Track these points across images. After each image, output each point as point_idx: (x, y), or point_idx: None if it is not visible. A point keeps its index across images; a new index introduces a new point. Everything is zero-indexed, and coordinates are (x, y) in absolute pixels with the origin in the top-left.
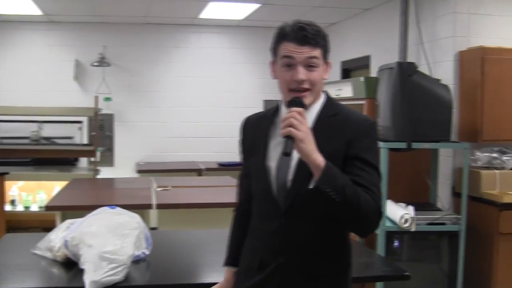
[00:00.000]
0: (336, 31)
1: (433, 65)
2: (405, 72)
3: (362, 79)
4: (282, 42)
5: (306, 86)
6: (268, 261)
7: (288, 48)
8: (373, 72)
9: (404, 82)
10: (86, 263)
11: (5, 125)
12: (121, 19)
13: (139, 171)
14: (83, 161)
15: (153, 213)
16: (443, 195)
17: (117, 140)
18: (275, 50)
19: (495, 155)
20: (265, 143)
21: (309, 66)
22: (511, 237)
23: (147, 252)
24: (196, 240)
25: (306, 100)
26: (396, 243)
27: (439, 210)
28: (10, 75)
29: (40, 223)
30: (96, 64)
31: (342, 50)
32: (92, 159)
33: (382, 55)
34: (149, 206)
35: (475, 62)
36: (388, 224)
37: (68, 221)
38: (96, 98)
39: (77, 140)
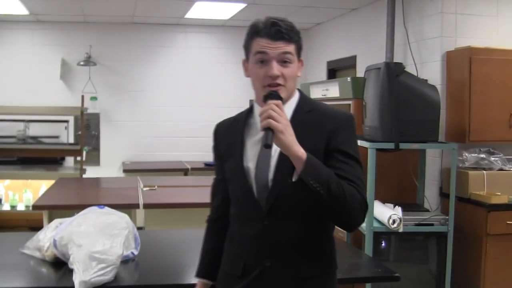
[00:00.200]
0: (322, 31)
1: (420, 65)
2: (393, 72)
3: (349, 79)
4: (255, 38)
5: (280, 82)
6: (252, 267)
7: (262, 43)
8: (359, 72)
9: (392, 82)
10: (76, 263)
11: None
12: (108, 19)
13: (125, 171)
14: (69, 160)
15: (140, 212)
16: (430, 196)
17: (103, 140)
18: (247, 47)
19: (482, 155)
20: (242, 144)
21: (283, 61)
22: (499, 238)
23: (135, 252)
24: (184, 240)
25: (282, 95)
26: (383, 244)
27: (426, 211)
28: None
29: (26, 222)
30: (82, 63)
31: (328, 50)
32: (78, 158)
33: (369, 55)
34: (136, 206)
35: (463, 63)
36: (375, 224)
37: (57, 221)
38: (82, 97)
39: (63, 139)
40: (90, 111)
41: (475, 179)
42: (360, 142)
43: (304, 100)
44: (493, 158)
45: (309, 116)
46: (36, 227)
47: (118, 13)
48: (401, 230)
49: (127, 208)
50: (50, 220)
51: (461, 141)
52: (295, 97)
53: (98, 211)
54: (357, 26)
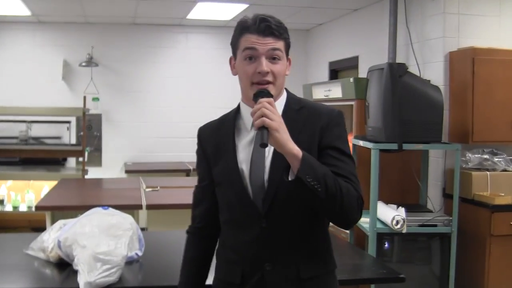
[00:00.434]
0: (324, 31)
1: (422, 66)
2: (396, 73)
3: (351, 80)
4: (243, 34)
5: (269, 78)
6: (251, 273)
7: (251, 39)
8: (362, 73)
9: (395, 83)
10: (80, 264)
11: None
12: (109, 20)
13: (127, 171)
14: (71, 161)
15: (142, 213)
16: (433, 197)
17: (105, 140)
18: (235, 44)
19: (486, 156)
20: (233, 147)
21: (272, 58)
22: (503, 239)
23: (140, 253)
24: None
25: (271, 92)
26: (386, 245)
27: (430, 211)
28: None
29: (29, 223)
30: (84, 64)
31: (330, 51)
32: (80, 159)
33: (371, 56)
34: (139, 207)
35: (466, 63)
36: (379, 225)
37: (61, 222)
38: (84, 98)
39: (65, 140)
40: (92, 112)
41: (479, 180)
42: (363, 143)
43: (293, 98)
44: (496, 159)
45: (299, 114)
46: (38, 227)
47: (119, 14)
48: (404, 231)
49: (130, 209)
50: (53, 221)
51: (464, 141)
52: (284, 96)
53: (102, 212)
54: (359, 26)
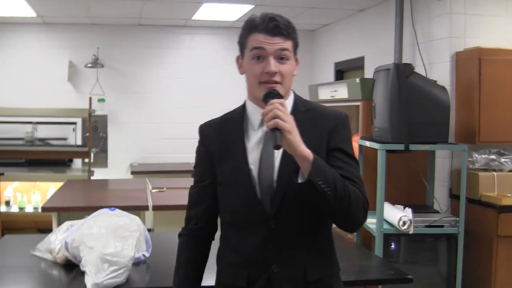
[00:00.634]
0: (329, 32)
1: (428, 66)
2: (402, 73)
3: (357, 80)
4: (251, 33)
5: (277, 79)
6: (257, 275)
7: (259, 39)
8: (367, 73)
9: (401, 83)
10: (88, 265)
11: None
12: (115, 21)
13: (133, 172)
14: (77, 162)
15: (149, 214)
16: (440, 197)
17: (111, 141)
18: (242, 43)
19: (493, 157)
20: (243, 146)
21: (280, 58)
22: (510, 240)
23: (147, 254)
24: None
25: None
26: (393, 246)
27: (436, 212)
28: (4, 77)
29: (34, 224)
30: (89, 65)
31: (336, 51)
32: (86, 160)
33: (377, 56)
34: (145, 208)
35: (472, 63)
36: (385, 226)
37: (67, 223)
38: (90, 99)
39: (71, 141)
40: (97, 113)
41: (485, 181)
42: (369, 144)
43: (300, 100)
44: (503, 159)
45: (307, 116)
46: (44, 229)
47: (125, 15)
48: (411, 231)
49: (136, 210)
50: (59, 222)
51: (471, 142)
52: (291, 97)
53: (109, 213)
54: (365, 27)
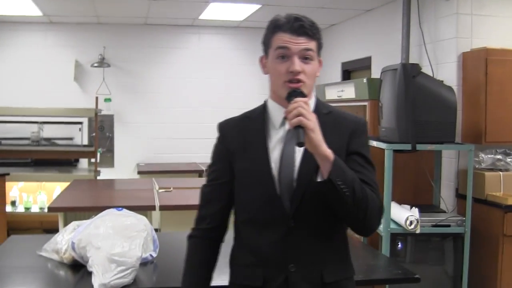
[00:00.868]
0: (337, 32)
1: (435, 67)
2: (409, 73)
3: (364, 80)
4: (276, 33)
5: (301, 78)
6: (274, 275)
7: (284, 38)
8: (374, 73)
9: (408, 84)
10: (95, 266)
11: (5, 126)
12: (121, 20)
13: (140, 172)
14: (84, 162)
15: (156, 214)
16: (446, 197)
17: (117, 141)
18: (267, 42)
19: (499, 156)
20: (265, 145)
21: (304, 58)
22: None
23: (154, 255)
24: None
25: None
26: (399, 245)
27: (443, 212)
28: (10, 76)
29: (40, 224)
30: (96, 65)
31: (343, 51)
32: (92, 160)
33: (384, 56)
34: (152, 208)
35: (479, 63)
36: (392, 226)
37: (74, 223)
38: (96, 99)
39: (77, 141)
40: (104, 112)
41: (492, 180)
42: (376, 143)
43: (321, 102)
44: (509, 159)
45: (328, 118)
46: (50, 229)
47: (131, 14)
48: (418, 231)
49: (143, 210)
50: (66, 222)
51: (477, 142)
52: (313, 98)
53: (116, 213)
54: (372, 27)
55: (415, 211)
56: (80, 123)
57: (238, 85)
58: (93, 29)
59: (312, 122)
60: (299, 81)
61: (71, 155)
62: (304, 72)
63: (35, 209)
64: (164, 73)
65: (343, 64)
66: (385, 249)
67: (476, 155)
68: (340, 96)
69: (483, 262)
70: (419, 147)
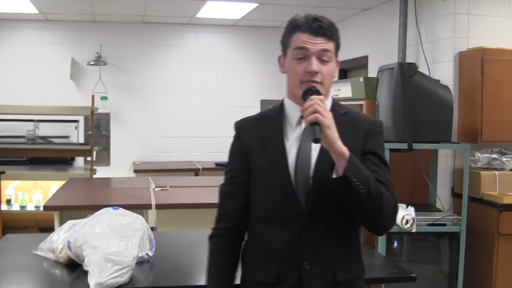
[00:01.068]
0: None
1: (432, 66)
2: (406, 73)
3: (361, 79)
4: (295, 33)
5: (318, 79)
6: (288, 272)
7: (302, 38)
8: (371, 73)
9: (405, 83)
10: (91, 265)
11: (0, 124)
12: (118, 18)
13: (136, 171)
14: (79, 161)
15: (152, 213)
16: (442, 196)
17: (114, 140)
18: (285, 42)
19: (494, 156)
20: (282, 142)
21: (322, 59)
22: (511, 238)
23: (150, 254)
24: (197, 241)
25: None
26: (395, 244)
27: (439, 211)
28: (6, 74)
29: (36, 223)
30: (92, 63)
31: (340, 50)
32: (88, 158)
33: (380, 56)
34: (148, 206)
35: (475, 63)
36: None
37: (70, 222)
38: (93, 97)
39: (73, 139)
40: (100, 111)
41: (487, 179)
42: None
43: (337, 103)
44: (505, 159)
45: (344, 118)
46: (46, 228)
47: (128, 13)
48: (414, 230)
49: (140, 208)
50: (61, 221)
51: (473, 141)
52: (330, 99)
53: (112, 212)
54: (369, 26)
55: (411, 210)
56: (76, 121)
57: (235, 83)
58: (89, 27)
59: (328, 119)
60: (316, 82)
61: (67, 153)
62: (322, 72)
63: (30, 207)
64: (160, 72)
65: (340, 63)
66: (381, 248)
67: (472, 154)
68: (336, 95)
69: (478, 261)
70: (416, 146)
